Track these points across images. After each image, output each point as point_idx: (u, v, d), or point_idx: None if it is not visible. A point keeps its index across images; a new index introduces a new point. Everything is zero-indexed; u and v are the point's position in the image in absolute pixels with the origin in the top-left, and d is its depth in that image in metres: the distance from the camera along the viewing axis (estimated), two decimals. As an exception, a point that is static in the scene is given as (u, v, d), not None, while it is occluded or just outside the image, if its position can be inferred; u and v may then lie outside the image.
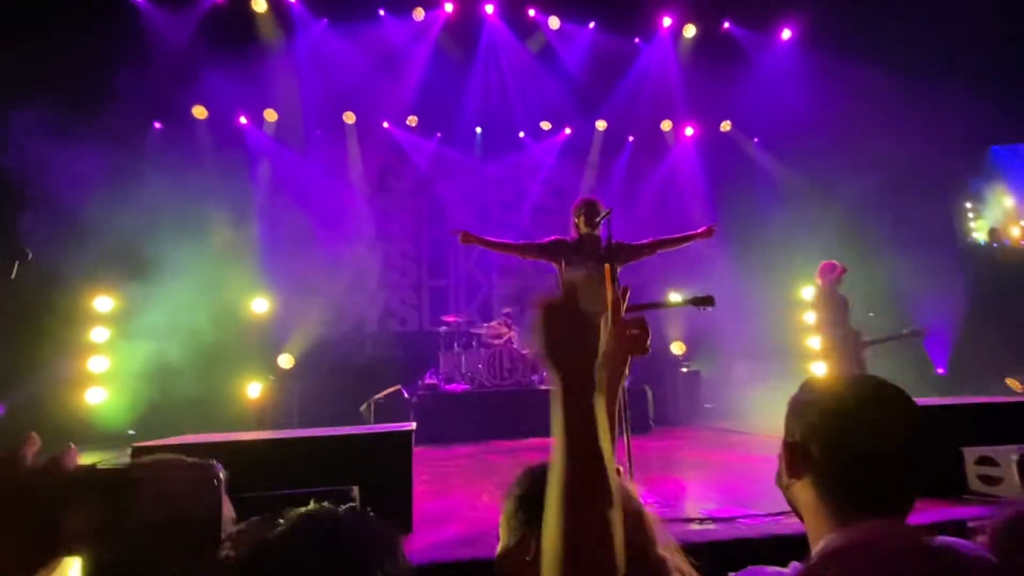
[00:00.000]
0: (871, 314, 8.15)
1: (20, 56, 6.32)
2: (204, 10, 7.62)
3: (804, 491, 0.89)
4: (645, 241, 4.03)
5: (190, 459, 0.42)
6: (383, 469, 2.27)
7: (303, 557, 0.59)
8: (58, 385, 6.94)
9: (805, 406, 0.93)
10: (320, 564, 0.60)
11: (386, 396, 6.83)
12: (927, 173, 7.47)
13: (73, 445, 0.41)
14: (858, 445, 0.85)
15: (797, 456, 0.90)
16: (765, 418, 6.46)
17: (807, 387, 0.98)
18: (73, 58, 6.66)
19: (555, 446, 0.67)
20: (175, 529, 0.40)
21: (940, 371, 7.64)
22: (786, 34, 8.68)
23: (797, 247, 7.99)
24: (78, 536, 0.40)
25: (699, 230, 4.05)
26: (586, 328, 0.72)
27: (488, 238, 4.03)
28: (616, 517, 0.63)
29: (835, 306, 5.61)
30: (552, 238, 4.02)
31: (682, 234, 4.12)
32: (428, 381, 7.36)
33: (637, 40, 8.98)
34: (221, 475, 0.42)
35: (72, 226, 6.71)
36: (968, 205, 8.85)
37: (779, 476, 0.95)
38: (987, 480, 2.69)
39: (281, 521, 0.60)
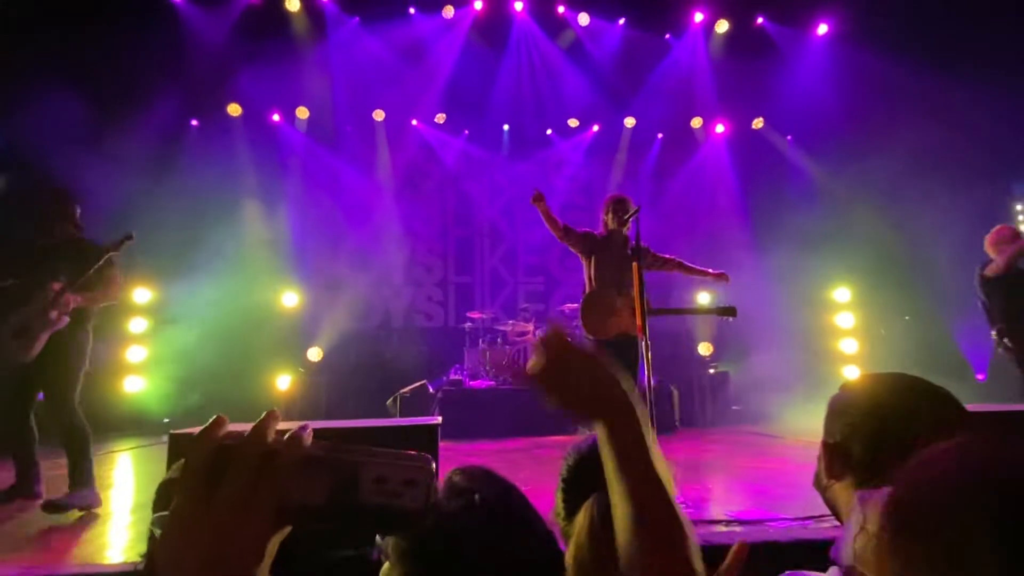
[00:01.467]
0: (907, 318, 7.93)
1: (62, 53, 6.54)
2: (240, 9, 7.79)
3: (845, 492, 0.88)
4: (666, 256, 4.08)
5: (410, 452, 0.45)
6: (409, 462, 2.30)
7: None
8: (97, 373, 7.19)
9: (845, 406, 0.92)
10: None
11: (412, 391, 6.91)
12: (972, 175, 7.20)
13: (309, 425, 0.44)
14: (900, 443, 0.84)
15: (837, 457, 0.89)
16: (795, 422, 6.34)
17: (847, 387, 0.96)
18: (114, 56, 6.88)
19: (616, 498, 0.63)
20: (387, 515, 0.43)
21: (980, 377, 7.38)
22: (822, 29, 8.46)
23: (830, 248, 7.81)
24: (300, 512, 0.42)
25: (715, 272, 4.12)
26: (589, 360, 0.69)
27: (550, 209, 3.98)
28: (695, 554, 0.61)
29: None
30: (584, 230, 4.05)
31: (700, 268, 4.21)
32: (453, 377, 7.42)
33: (668, 36, 8.86)
34: (434, 468, 0.44)
35: (111, 220, 6.94)
36: (1018, 207, 8.50)
37: (818, 478, 0.94)
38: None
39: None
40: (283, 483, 0.41)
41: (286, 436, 0.43)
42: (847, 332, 8.41)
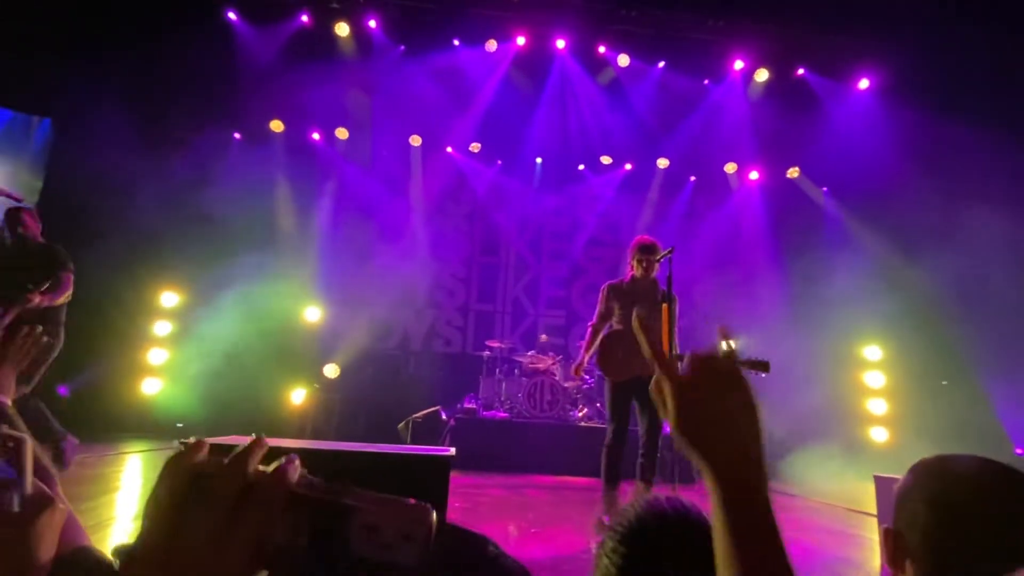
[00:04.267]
0: (944, 382, 7.62)
1: (111, 64, 6.79)
2: (291, 30, 8.06)
3: None
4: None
5: (410, 500, 0.40)
6: (419, 492, 2.22)
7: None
8: (118, 374, 7.28)
9: (908, 491, 0.84)
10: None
11: (424, 416, 6.82)
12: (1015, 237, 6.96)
13: (297, 458, 0.38)
14: (962, 543, 0.75)
15: (890, 544, 0.81)
16: (817, 482, 6.07)
17: (915, 469, 0.87)
18: (167, 67, 7.14)
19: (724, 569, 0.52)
20: (376, 568, 0.37)
21: (1019, 451, 7.00)
22: (864, 84, 8.42)
23: (863, 304, 7.59)
24: (279, 556, 0.38)
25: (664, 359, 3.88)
26: (743, 397, 0.57)
27: (586, 346, 4.00)
28: None
29: None
30: (604, 290, 3.95)
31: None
32: (467, 405, 7.31)
33: (707, 82, 8.91)
34: (434, 521, 0.39)
35: (146, 227, 7.14)
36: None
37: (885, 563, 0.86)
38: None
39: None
40: (262, 521, 0.37)
41: (271, 468, 0.38)
42: (877, 392, 8.11)
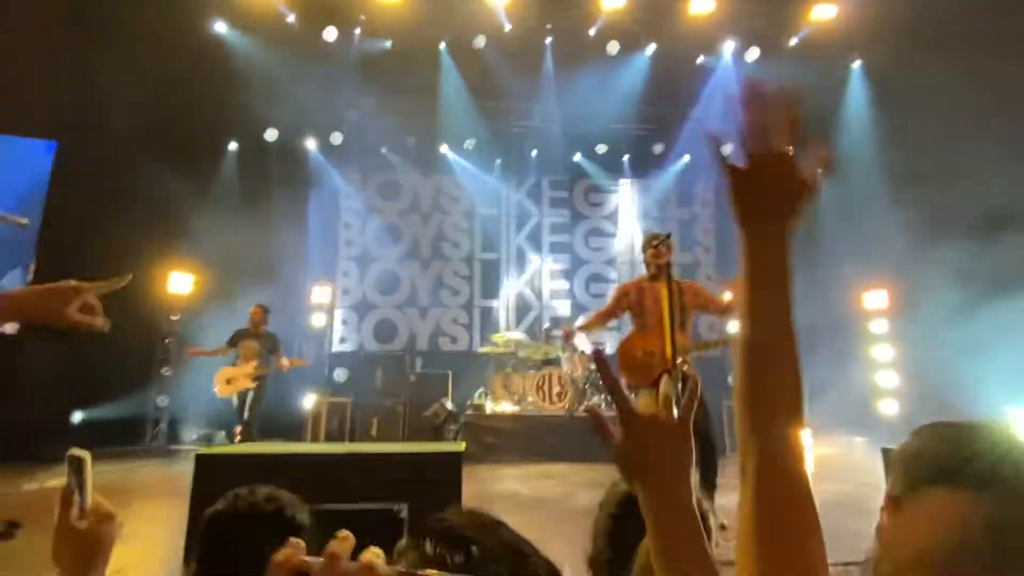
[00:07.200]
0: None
1: (126, 77, 6.77)
2: (280, 38, 8.01)
3: None
4: (722, 300, 3.86)
5: (514, 535, 0.45)
6: (432, 489, 2.27)
7: None
8: (131, 386, 7.40)
9: (911, 458, 0.83)
10: None
11: (434, 413, 6.88)
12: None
13: (381, 553, 0.42)
14: None
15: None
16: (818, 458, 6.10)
17: (920, 434, 0.86)
18: (169, 82, 7.10)
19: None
20: None
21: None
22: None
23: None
24: None
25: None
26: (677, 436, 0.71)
27: (585, 324, 4.19)
28: None
29: None
30: (616, 294, 3.99)
31: None
32: (476, 401, 7.36)
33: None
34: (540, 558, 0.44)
35: (159, 228, 7.24)
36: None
37: (880, 531, 0.85)
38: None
39: None
40: None
41: (359, 564, 0.42)
42: (885, 365, 8.10)
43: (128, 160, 7.07)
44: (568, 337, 4.57)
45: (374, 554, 0.42)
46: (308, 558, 0.41)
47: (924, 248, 6.67)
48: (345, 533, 0.42)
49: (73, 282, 0.86)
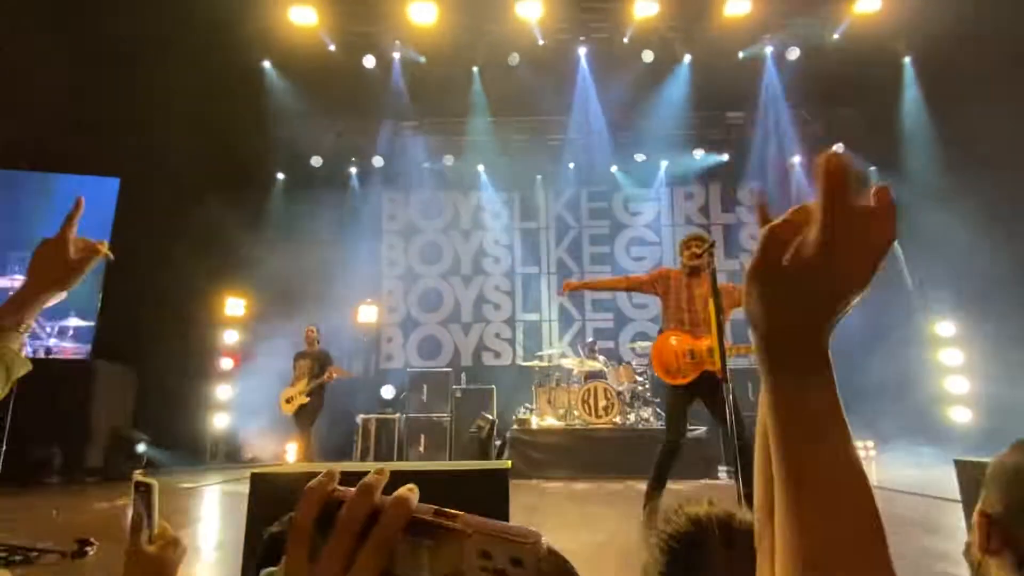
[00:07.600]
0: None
1: (180, 116, 7.14)
2: (323, 68, 8.31)
3: (1001, 571, 0.76)
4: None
5: (516, 526, 0.42)
6: (479, 506, 2.26)
7: None
8: (188, 408, 7.73)
9: (1014, 475, 0.79)
10: None
11: (478, 427, 6.89)
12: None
13: (416, 487, 0.42)
14: None
15: (997, 531, 0.77)
16: (889, 470, 5.79)
17: (1019, 450, 0.81)
18: (220, 120, 7.44)
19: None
20: None
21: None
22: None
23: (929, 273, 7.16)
24: None
25: None
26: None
27: (590, 281, 4.09)
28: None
29: None
30: (657, 272, 3.98)
31: None
32: (521, 416, 7.33)
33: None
34: (544, 545, 0.41)
35: (217, 257, 7.60)
36: None
37: (969, 549, 0.81)
38: None
39: None
40: (386, 547, 0.39)
41: (392, 496, 0.41)
42: (954, 370, 7.64)
43: (184, 194, 7.46)
44: (567, 289, 4.10)
45: (408, 489, 0.41)
46: (341, 487, 0.41)
47: (993, 244, 6.34)
48: (382, 469, 0.42)
49: (44, 237, 0.91)
